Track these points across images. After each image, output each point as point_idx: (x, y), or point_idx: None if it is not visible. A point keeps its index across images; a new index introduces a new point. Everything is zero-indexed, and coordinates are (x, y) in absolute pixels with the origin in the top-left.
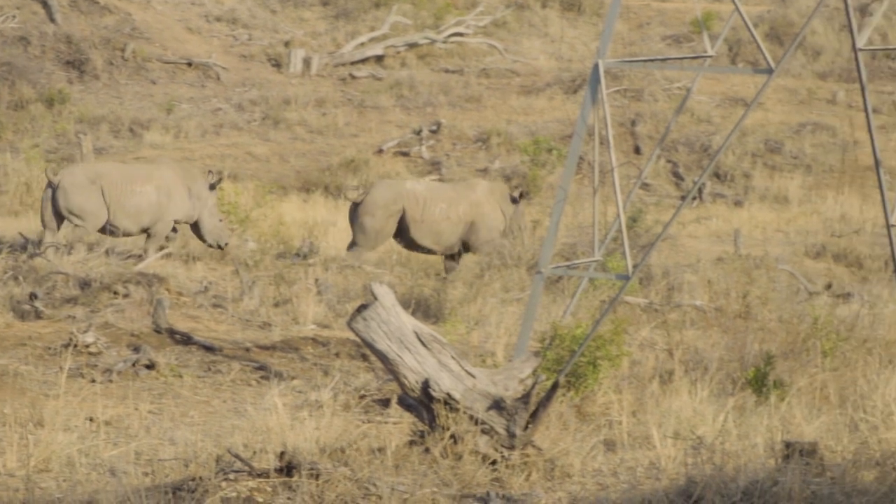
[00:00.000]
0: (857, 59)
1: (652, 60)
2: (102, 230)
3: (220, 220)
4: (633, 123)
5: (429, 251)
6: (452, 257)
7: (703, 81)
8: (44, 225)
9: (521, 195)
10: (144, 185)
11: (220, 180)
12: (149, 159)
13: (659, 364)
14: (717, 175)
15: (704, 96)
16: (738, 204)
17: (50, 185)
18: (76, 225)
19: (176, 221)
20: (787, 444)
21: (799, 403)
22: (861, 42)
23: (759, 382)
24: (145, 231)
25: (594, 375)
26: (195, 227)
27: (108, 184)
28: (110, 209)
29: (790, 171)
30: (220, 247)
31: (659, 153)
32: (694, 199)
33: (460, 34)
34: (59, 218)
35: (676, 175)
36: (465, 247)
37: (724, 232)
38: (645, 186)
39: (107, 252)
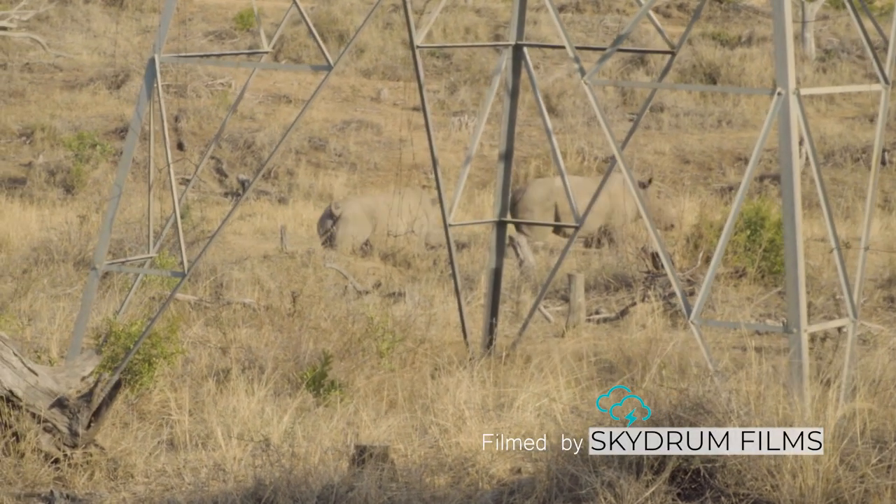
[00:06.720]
0: (415, 56)
1: (208, 56)
2: None
3: None
4: (177, 119)
5: None
6: None
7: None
8: None
9: (650, 181)
10: None
11: None
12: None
13: (213, 362)
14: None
15: (249, 93)
16: (282, 201)
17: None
18: None
19: None
20: (361, 449)
21: (365, 406)
22: (419, 39)
23: (318, 383)
24: None
25: (149, 373)
26: None
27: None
28: None
29: (334, 169)
30: None
31: (203, 150)
32: (238, 195)
33: (4, 28)
34: None
35: (220, 172)
36: None
37: (268, 229)
38: (186, 182)
39: None
